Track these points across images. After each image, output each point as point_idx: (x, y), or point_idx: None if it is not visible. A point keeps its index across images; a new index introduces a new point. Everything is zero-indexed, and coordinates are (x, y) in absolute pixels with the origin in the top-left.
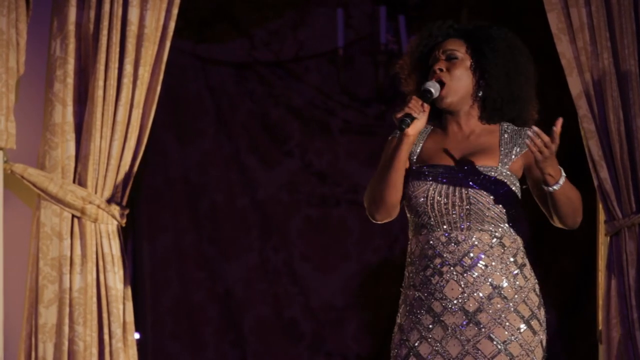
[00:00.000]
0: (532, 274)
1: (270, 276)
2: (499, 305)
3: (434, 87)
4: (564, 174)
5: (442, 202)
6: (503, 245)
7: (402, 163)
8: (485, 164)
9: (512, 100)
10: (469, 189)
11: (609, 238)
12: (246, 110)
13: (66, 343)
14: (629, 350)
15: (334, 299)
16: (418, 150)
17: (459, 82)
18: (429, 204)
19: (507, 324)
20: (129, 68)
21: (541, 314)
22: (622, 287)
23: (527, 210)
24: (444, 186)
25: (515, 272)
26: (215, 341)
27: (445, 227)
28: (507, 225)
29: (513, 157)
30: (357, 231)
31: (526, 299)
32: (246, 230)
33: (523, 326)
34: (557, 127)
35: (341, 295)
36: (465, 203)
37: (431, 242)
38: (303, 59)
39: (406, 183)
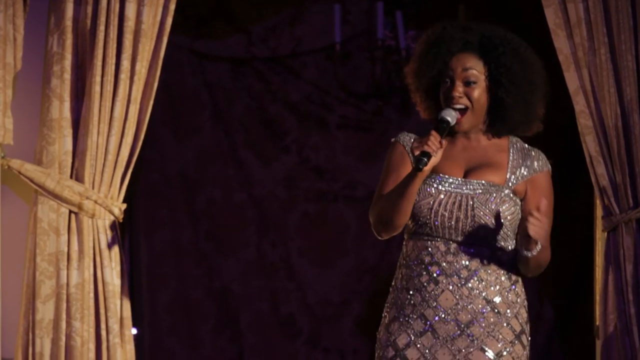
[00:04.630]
0: (523, 291)
1: (267, 272)
2: (492, 319)
3: (450, 117)
4: (539, 246)
5: (446, 216)
6: (500, 261)
7: (414, 194)
8: (493, 181)
9: (525, 120)
10: (474, 207)
11: (606, 234)
12: (243, 105)
13: (63, 338)
14: (626, 346)
15: (331, 295)
16: None
17: (477, 105)
18: (432, 215)
19: (500, 337)
20: (126, 64)
21: (528, 328)
22: (619, 283)
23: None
24: (450, 201)
25: (509, 287)
26: (213, 336)
27: (445, 237)
28: (505, 243)
29: (519, 179)
30: (355, 227)
31: (517, 314)
32: (243, 226)
33: (515, 340)
34: (542, 207)
35: (338, 291)
36: (469, 220)
37: (430, 249)
38: (300, 54)
39: None
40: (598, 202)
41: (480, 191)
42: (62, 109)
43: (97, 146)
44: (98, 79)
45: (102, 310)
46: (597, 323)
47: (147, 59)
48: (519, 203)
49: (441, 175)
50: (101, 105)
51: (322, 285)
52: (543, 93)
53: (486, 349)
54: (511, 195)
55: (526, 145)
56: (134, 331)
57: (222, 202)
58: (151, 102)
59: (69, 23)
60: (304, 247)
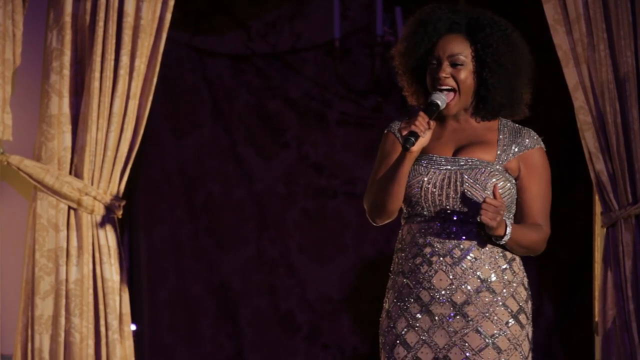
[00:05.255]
0: (522, 268)
1: (267, 268)
2: (487, 299)
3: (440, 100)
4: (508, 231)
5: (436, 194)
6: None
7: (405, 176)
8: (482, 158)
9: (511, 103)
10: (464, 182)
11: (605, 229)
12: (243, 102)
13: (62, 335)
14: (625, 342)
15: (331, 291)
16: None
17: (464, 87)
18: (422, 194)
19: (495, 317)
20: (125, 59)
21: (528, 307)
22: (619, 279)
23: None
24: (439, 178)
25: (504, 266)
26: (212, 333)
27: (438, 217)
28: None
29: (510, 156)
30: (354, 223)
31: (514, 293)
32: (243, 222)
33: (511, 320)
34: (495, 192)
35: (338, 287)
36: (459, 195)
37: (423, 230)
38: (300, 50)
39: None
40: (597, 198)
41: (468, 167)
42: (61, 105)
43: (97, 142)
44: (97, 74)
45: (101, 307)
46: (596, 319)
47: (146, 54)
48: (512, 180)
49: (430, 154)
50: (100, 101)
51: (322, 282)
52: (528, 77)
53: (481, 330)
54: (501, 169)
55: (517, 125)
56: (133, 327)
57: (222, 198)
58: (150, 98)
59: (68, 19)
60: (303, 243)
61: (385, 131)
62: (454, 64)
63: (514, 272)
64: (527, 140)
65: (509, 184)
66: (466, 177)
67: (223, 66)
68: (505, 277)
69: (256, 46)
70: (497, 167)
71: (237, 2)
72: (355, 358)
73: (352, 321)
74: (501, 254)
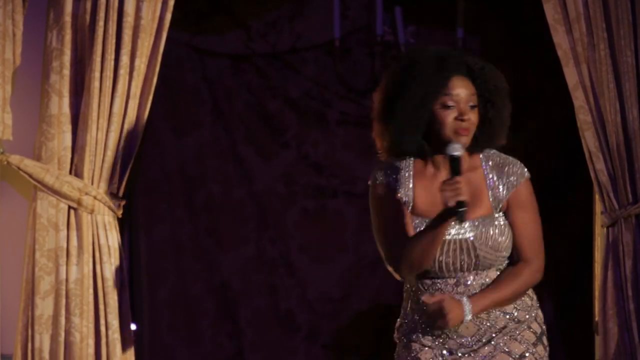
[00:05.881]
0: (533, 291)
1: (267, 268)
2: (512, 326)
3: (459, 151)
4: (467, 309)
5: (450, 262)
6: None
7: (443, 237)
8: (482, 215)
9: (504, 133)
10: (476, 248)
11: (605, 229)
12: (243, 101)
13: (62, 334)
14: (625, 342)
15: (331, 291)
16: (411, 196)
17: (474, 129)
18: (437, 264)
19: (522, 339)
20: (125, 59)
21: (546, 329)
22: (619, 279)
23: None
24: (450, 247)
25: (523, 297)
26: (212, 332)
27: (453, 276)
28: (506, 259)
29: (501, 200)
30: (354, 223)
31: (536, 316)
32: (243, 222)
33: (537, 342)
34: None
35: (338, 287)
36: (474, 260)
37: (438, 285)
38: (300, 50)
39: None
40: (597, 197)
41: (476, 230)
42: (61, 105)
43: (97, 142)
44: (97, 74)
45: (101, 306)
46: (597, 319)
47: (146, 54)
48: (507, 221)
49: (429, 218)
50: (100, 101)
51: (322, 281)
52: (510, 117)
53: (509, 350)
54: (502, 222)
55: (497, 157)
56: (133, 327)
57: (222, 198)
58: (150, 98)
59: (68, 19)
60: (303, 243)
61: (371, 184)
62: (472, 107)
63: (530, 296)
64: (513, 178)
65: (510, 233)
66: (477, 242)
67: (223, 66)
68: (525, 304)
69: (256, 46)
70: (496, 216)
71: (237, 2)
72: (355, 358)
73: (352, 321)
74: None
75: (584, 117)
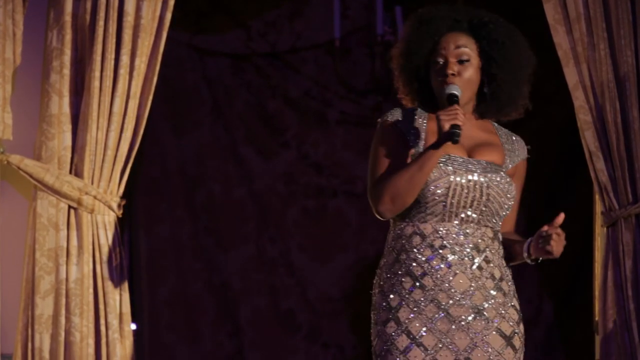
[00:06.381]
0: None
1: (267, 267)
2: (500, 300)
3: (456, 90)
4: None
5: (462, 195)
6: (499, 240)
7: (433, 167)
8: (494, 161)
9: (514, 99)
10: (489, 186)
11: (605, 229)
12: (243, 101)
13: (62, 334)
14: (626, 341)
15: (331, 290)
16: (423, 137)
17: (469, 84)
18: (450, 194)
19: (509, 317)
20: (125, 59)
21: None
22: (619, 278)
23: (524, 203)
24: (464, 179)
25: (505, 266)
26: (212, 332)
27: (457, 218)
28: (501, 222)
29: (511, 164)
30: (354, 222)
31: (514, 293)
32: (243, 222)
33: (519, 321)
34: (559, 220)
35: (338, 287)
36: (484, 198)
37: (440, 231)
38: (300, 50)
39: None
40: (597, 197)
41: (489, 171)
42: (61, 104)
43: (97, 141)
44: (97, 74)
45: (101, 306)
46: (597, 318)
47: (146, 54)
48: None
49: (450, 155)
50: (100, 100)
51: (322, 281)
52: (530, 72)
53: (502, 330)
54: (507, 174)
55: (507, 130)
56: (133, 327)
57: (222, 198)
58: (150, 98)
59: (68, 18)
60: (303, 242)
61: (381, 121)
62: (461, 61)
63: (510, 271)
64: (520, 151)
65: (512, 187)
66: (490, 181)
67: (223, 65)
68: (508, 277)
69: (256, 45)
70: (505, 173)
71: (237, 2)
72: (355, 358)
73: (352, 321)
74: (502, 254)
75: (584, 117)
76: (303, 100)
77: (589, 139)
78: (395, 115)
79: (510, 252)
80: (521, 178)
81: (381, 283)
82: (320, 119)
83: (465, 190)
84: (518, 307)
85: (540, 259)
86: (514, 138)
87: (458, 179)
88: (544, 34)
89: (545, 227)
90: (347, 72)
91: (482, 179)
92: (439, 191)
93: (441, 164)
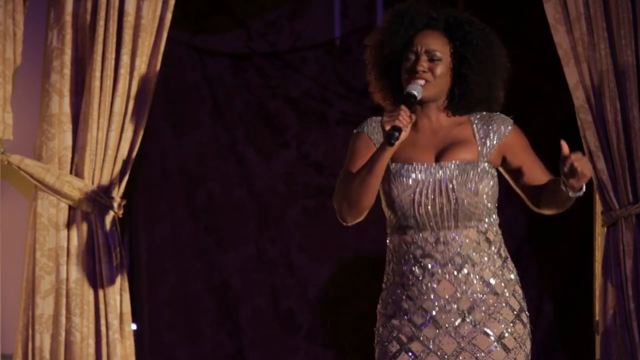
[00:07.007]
0: (514, 266)
1: (267, 267)
2: (491, 301)
3: (417, 90)
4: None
5: (429, 205)
6: (488, 240)
7: (382, 171)
8: (465, 159)
9: (488, 100)
10: (455, 190)
11: (605, 229)
12: (243, 101)
13: (63, 334)
14: (626, 341)
15: (331, 291)
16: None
17: (439, 81)
18: (415, 207)
19: (501, 318)
20: (125, 59)
21: (525, 305)
22: (619, 278)
23: (524, 203)
24: (429, 188)
25: (502, 265)
26: (212, 332)
27: (431, 227)
28: (490, 219)
29: (490, 149)
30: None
31: (514, 292)
32: (243, 221)
33: (515, 320)
34: (565, 149)
35: (338, 287)
36: (453, 204)
37: (419, 242)
38: (300, 49)
39: (385, 182)
40: (598, 197)
41: (457, 172)
42: (61, 104)
43: (97, 141)
44: (98, 74)
45: (101, 306)
46: (597, 318)
47: (146, 54)
48: (495, 174)
49: (414, 163)
50: (101, 100)
51: (322, 281)
52: (505, 76)
53: (489, 331)
54: (487, 168)
55: (484, 112)
56: (134, 327)
57: (222, 198)
58: (151, 98)
59: (68, 18)
60: (303, 242)
61: (355, 131)
62: (432, 59)
63: (510, 269)
64: (502, 127)
65: (492, 182)
66: (456, 183)
67: (223, 65)
68: (505, 276)
69: (256, 45)
70: (482, 165)
71: (238, 2)
72: (355, 358)
73: (352, 321)
74: (497, 254)
75: (584, 116)
76: (303, 100)
77: (589, 138)
78: (370, 125)
79: (556, 199)
80: (517, 146)
81: (383, 289)
82: (321, 118)
83: (432, 198)
84: (516, 307)
85: (583, 186)
86: (493, 118)
87: (421, 188)
88: (544, 34)
89: (565, 160)
90: (347, 72)
91: (449, 185)
92: (405, 205)
93: (403, 177)
